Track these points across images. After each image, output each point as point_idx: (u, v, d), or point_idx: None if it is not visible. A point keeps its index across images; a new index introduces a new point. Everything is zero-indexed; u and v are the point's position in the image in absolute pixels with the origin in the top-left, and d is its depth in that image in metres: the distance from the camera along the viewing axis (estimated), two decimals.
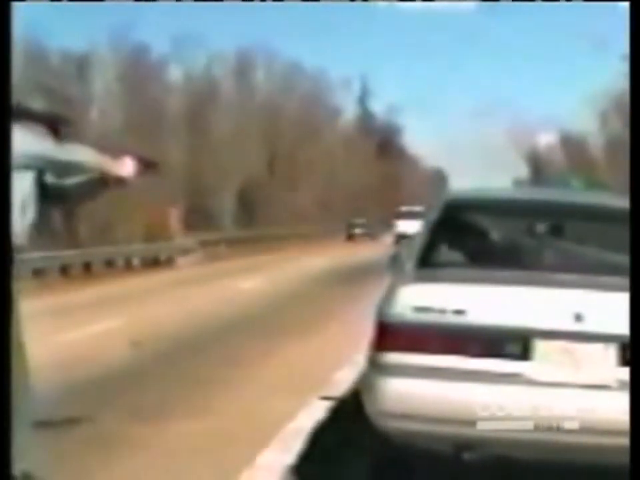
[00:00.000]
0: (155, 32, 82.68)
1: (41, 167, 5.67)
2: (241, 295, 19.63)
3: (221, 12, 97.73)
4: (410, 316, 4.84)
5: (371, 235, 61.10)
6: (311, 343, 12.20)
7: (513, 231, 5.97)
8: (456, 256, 5.77)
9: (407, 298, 4.91)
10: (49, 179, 5.77)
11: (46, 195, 5.77)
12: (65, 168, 5.74)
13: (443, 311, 4.81)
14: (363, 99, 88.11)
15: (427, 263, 5.40)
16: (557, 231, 5.72)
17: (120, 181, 5.87)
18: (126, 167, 5.77)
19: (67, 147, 5.67)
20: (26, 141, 5.60)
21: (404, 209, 54.13)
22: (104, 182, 5.91)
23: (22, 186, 5.59)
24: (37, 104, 5.46)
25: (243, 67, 65.78)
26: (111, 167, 5.75)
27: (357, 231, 62.82)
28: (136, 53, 54.62)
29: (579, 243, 5.82)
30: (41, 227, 6.03)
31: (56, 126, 5.89)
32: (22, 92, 38.45)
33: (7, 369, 4.47)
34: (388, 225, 56.69)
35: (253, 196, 61.52)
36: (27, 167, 5.59)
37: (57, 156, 5.64)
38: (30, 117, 5.80)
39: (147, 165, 5.86)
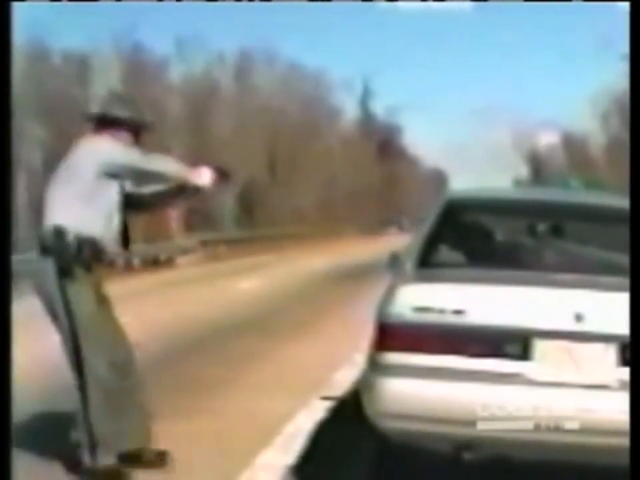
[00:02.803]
0: (156, 32, 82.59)
1: (125, 176, 5.82)
2: (240, 295, 19.63)
3: (221, 12, 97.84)
4: (410, 316, 4.84)
5: (403, 229, 65.12)
6: (310, 343, 12.19)
7: (513, 231, 5.97)
8: (456, 256, 5.78)
9: (406, 298, 4.91)
10: (129, 186, 5.89)
11: (126, 202, 5.93)
12: (147, 177, 5.91)
13: (442, 311, 4.81)
14: (364, 100, 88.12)
15: (427, 263, 5.40)
16: (557, 231, 5.72)
17: (196, 191, 6.02)
18: (203, 177, 5.88)
19: (150, 155, 5.83)
20: (113, 150, 5.79)
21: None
22: (181, 191, 6.07)
23: (109, 193, 5.78)
24: (119, 111, 5.61)
25: (243, 68, 65.75)
26: (189, 176, 5.88)
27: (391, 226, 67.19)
28: (137, 54, 54.61)
29: (579, 243, 5.82)
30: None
31: (139, 132, 6.07)
32: (22, 92, 38.47)
33: (7, 369, 4.47)
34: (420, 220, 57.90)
35: (253, 196, 61.50)
36: (112, 175, 5.76)
37: (140, 165, 5.78)
38: (115, 124, 5.95)
39: (221, 175, 5.98)
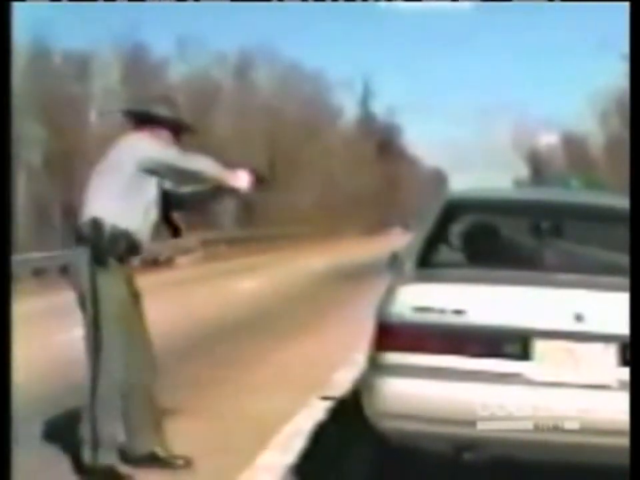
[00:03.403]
0: (156, 32, 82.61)
1: (163, 173, 5.88)
2: (240, 295, 19.63)
3: (222, 12, 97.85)
4: (410, 316, 4.84)
5: (408, 229, 65.89)
6: (310, 343, 12.19)
7: (513, 231, 5.97)
8: (456, 256, 5.78)
9: (406, 298, 4.91)
10: (168, 185, 5.98)
11: (165, 200, 6.01)
12: (185, 176, 5.96)
13: (442, 311, 4.81)
14: (364, 100, 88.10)
15: (427, 263, 5.41)
16: (557, 230, 5.72)
17: (234, 193, 6.10)
18: (241, 180, 5.94)
19: (189, 155, 5.86)
20: (152, 147, 5.87)
21: None
22: (219, 193, 6.15)
23: (146, 189, 5.85)
24: (161, 110, 5.70)
25: (243, 67, 65.75)
26: (227, 178, 5.92)
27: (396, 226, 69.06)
28: (137, 53, 54.59)
29: (579, 243, 5.82)
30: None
31: (179, 132, 6.13)
32: (22, 92, 38.47)
33: (7, 369, 4.47)
34: None
35: (253, 196, 61.50)
36: (151, 172, 5.82)
37: (179, 164, 5.83)
38: (156, 122, 6.02)
39: (259, 179, 6.04)
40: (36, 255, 27.49)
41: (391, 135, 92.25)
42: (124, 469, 5.80)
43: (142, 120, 6.07)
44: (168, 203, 6.03)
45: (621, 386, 4.68)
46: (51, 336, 12.79)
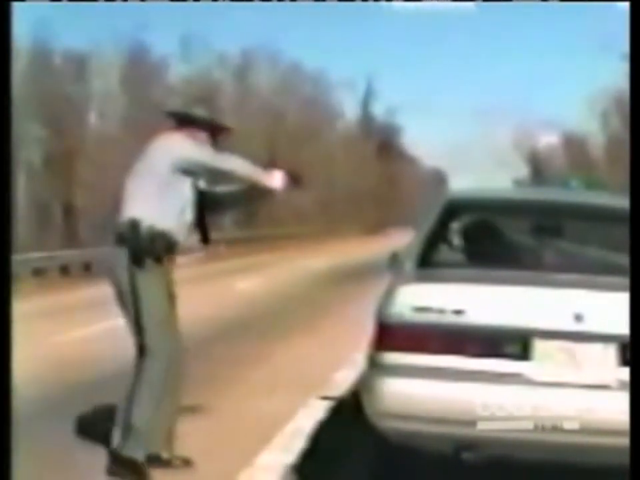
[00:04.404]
0: (156, 32, 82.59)
1: (198, 173, 5.94)
2: (241, 295, 19.63)
3: (222, 12, 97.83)
4: (410, 316, 4.84)
5: None
6: (310, 343, 12.19)
7: (513, 231, 5.97)
8: (456, 256, 5.78)
9: (406, 298, 4.91)
10: (202, 185, 6.05)
11: (200, 200, 6.07)
12: (220, 176, 6.02)
13: (442, 311, 4.82)
14: (366, 100, 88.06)
15: (427, 263, 5.40)
16: (557, 230, 5.72)
17: (268, 194, 6.12)
18: (275, 180, 5.97)
19: (224, 155, 5.92)
20: (187, 147, 5.92)
21: None
22: (253, 193, 6.18)
23: (182, 188, 5.91)
24: (199, 111, 5.77)
25: (244, 68, 65.75)
26: (261, 178, 5.96)
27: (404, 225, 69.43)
28: (137, 54, 54.57)
29: (579, 242, 5.83)
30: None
31: (216, 133, 6.19)
32: (22, 92, 38.46)
33: (7, 369, 4.47)
34: None
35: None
36: (186, 171, 5.88)
37: (214, 163, 5.89)
38: (193, 123, 6.08)
39: (294, 180, 6.08)
40: (36, 254, 27.49)
41: (391, 135, 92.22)
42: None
43: (180, 120, 6.13)
44: (203, 204, 6.09)
45: (621, 386, 4.68)
46: (51, 336, 12.79)
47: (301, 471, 6.02)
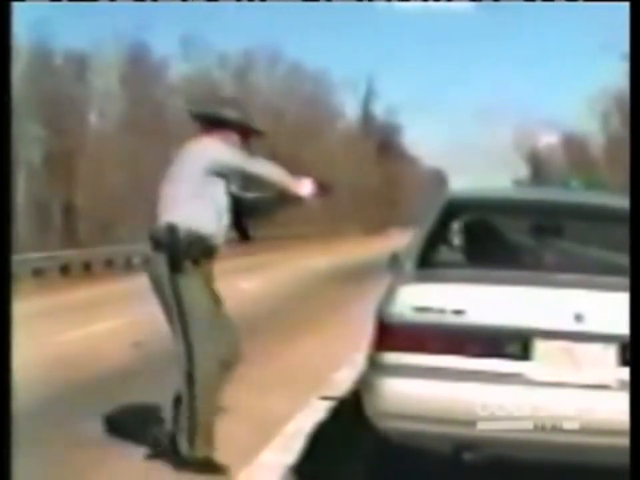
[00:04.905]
0: (157, 32, 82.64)
1: (230, 177, 5.99)
2: (241, 295, 19.62)
3: (223, 12, 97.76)
4: (410, 316, 4.84)
5: None
6: (311, 343, 12.19)
7: (513, 231, 5.97)
8: (456, 256, 5.78)
9: (406, 298, 4.91)
10: (233, 189, 6.09)
11: (233, 205, 6.11)
12: (251, 180, 6.08)
13: (442, 311, 4.82)
14: (367, 100, 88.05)
15: (427, 263, 5.40)
16: (557, 230, 5.72)
17: (297, 201, 6.15)
18: (305, 188, 6.03)
19: (256, 160, 5.99)
20: (220, 151, 5.96)
21: None
22: (282, 200, 6.22)
23: (217, 192, 5.97)
24: (230, 113, 5.81)
25: (244, 68, 65.77)
26: (291, 185, 6.01)
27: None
28: (137, 54, 54.58)
29: (579, 242, 5.83)
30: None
31: (248, 135, 6.20)
32: (22, 92, 38.47)
33: (7, 369, 4.47)
34: None
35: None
36: (218, 174, 5.92)
37: (246, 167, 5.94)
38: (225, 125, 6.09)
39: (323, 188, 6.13)
40: (36, 255, 27.50)
41: (391, 135, 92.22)
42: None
43: (211, 123, 6.12)
44: (236, 208, 6.13)
45: (621, 386, 4.68)
46: (51, 336, 12.79)
47: (301, 471, 6.02)
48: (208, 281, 5.99)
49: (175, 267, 5.82)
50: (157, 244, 5.90)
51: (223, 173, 5.91)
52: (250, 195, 6.24)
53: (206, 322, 5.89)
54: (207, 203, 5.90)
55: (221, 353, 5.93)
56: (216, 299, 6.05)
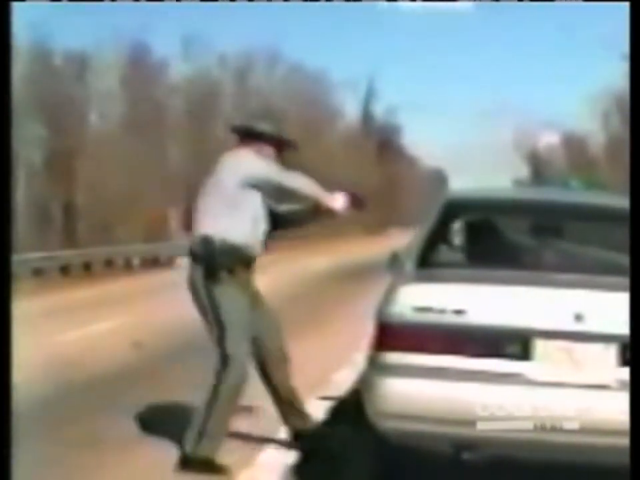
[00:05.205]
0: (157, 32, 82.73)
1: (264, 189, 6.12)
2: None
3: (223, 12, 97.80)
4: (410, 316, 4.84)
5: None
6: (311, 343, 12.18)
7: (513, 231, 5.97)
8: (456, 256, 5.78)
9: (407, 298, 4.91)
10: (267, 201, 6.22)
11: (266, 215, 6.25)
12: (285, 193, 6.20)
13: (442, 311, 4.82)
14: (367, 100, 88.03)
15: (427, 263, 5.40)
16: (557, 230, 5.72)
17: (330, 214, 6.30)
18: (338, 202, 6.18)
19: (291, 173, 6.11)
20: (255, 164, 6.11)
21: None
22: (315, 213, 6.37)
23: (253, 202, 6.10)
24: (265, 126, 5.93)
25: (244, 68, 65.73)
26: (324, 199, 6.16)
27: None
28: (137, 54, 54.55)
29: (579, 242, 5.82)
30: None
31: (282, 148, 6.35)
32: (22, 92, 38.45)
33: (7, 369, 4.47)
34: None
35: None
36: (254, 186, 6.07)
37: (280, 180, 6.08)
38: (260, 138, 6.23)
39: (356, 202, 6.27)
40: (36, 254, 27.50)
41: (392, 135, 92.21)
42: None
43: (247, 135, 6.25)
44: (270, 220, 6.27)
45: (621, 386, 4.68)
46: (51, 336, 12.79)
47: (301, 471, 6.02)
48: (246, 289, 6.17)
49: (210, 276, 6.00)
50: (194, 256, 6.09)
51: (257, 185, 6.05)
52: (283, 207, 6.38)
53: (240, 328, 6.05)
54: (242, 214, 6.04)
55: (253, 357, 6.18)
56: (258, 304, 6.29)
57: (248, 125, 6.32)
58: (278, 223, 6.36)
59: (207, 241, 6.01)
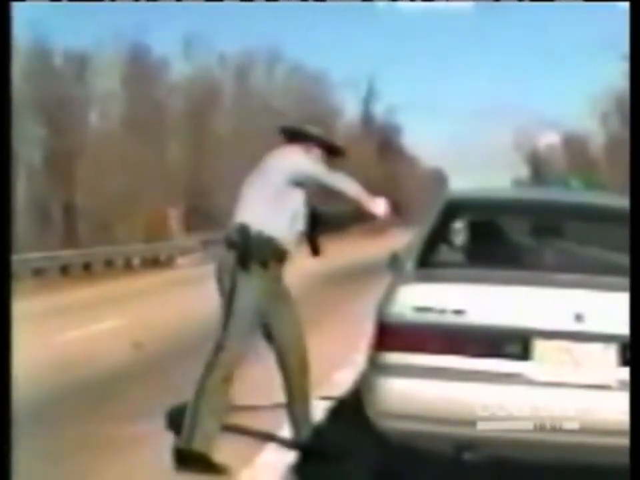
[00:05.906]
0: (157, 32, 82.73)
1: (310, 188, 6.18)
2: None
3: (223, 12, 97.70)
4: (410, 316, 4.84)
5: None
6: (310, 343, 12.17)
7: (513, 231, 5.97)
8: (456, 256, 5.78)
9: (407, 298, 4.91)
10: (309, 200, 6.27)
11: (309, 216, 6.32)
12: (328, 193, 6.20)
13: (442, 311, 4.82)
14: (368, 100, 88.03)
15: (427, 263, 5.40)
16: (557, 230, 5.72)
17: (371, 219, 6.39)
18: (379, 207, 6.20)
19: (336, 174, 6.14)
20: (304, 161, 6.19)
21: None
22: (356, 216, 6.55)
23: (294, 200, 6.17)
24: (315, 130, 6.06)
25: (244, 68, 65.72)
26: (366, 202, 6.19)
27: None
28: (138, 54, 54.56)
29: (579, 242, 5.82)
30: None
31: (329, 153, 6.44)
32: (22, 92, 38.45)
33: (7, 369, 4.48)
34: None
35: None
36: (298, 184, 6.13)
37: (325, 180, 6.12)
38: (309, 140, 6.35)
39: (395, 210, 6.43)
40: (36, 254, 27.51)
41: (391, 135, 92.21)
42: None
43: (295, 136, 6.36)
44: (311, 219, 6.32)
45: (621, 386, 4.68)
46: (51, 336, 12.79)
47: (301, 471, 6.02)
48: (274, 284, 6.15)
49: (241, 265, 6.00)
50: (228, 243, 6.10)
51: (303, 183, 6.11)
52: (324, 208, 6.45)
53: (246, 322, 6.05)
54: (282, 209, 6.08)
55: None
56: (284, 300, 6.28)
57: (296, 126, 6.47)
58: (319, 224, 6.41)
59: (243, 230, 6.03)
